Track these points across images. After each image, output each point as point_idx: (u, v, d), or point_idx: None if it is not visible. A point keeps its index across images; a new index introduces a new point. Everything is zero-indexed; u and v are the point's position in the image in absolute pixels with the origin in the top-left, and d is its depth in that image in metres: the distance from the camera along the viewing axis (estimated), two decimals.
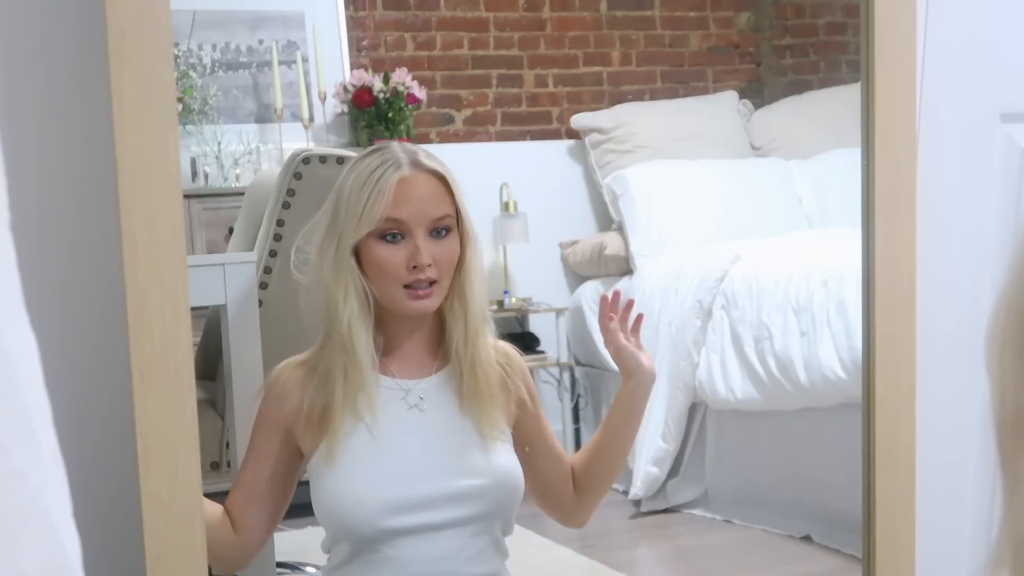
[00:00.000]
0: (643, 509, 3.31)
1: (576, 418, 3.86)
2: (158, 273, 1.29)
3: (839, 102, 3.81)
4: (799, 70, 4.51)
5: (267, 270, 2.00)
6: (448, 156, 1.55)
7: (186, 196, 1.54)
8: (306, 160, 1.98)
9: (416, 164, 1.47)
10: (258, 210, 2.11)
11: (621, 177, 3.93)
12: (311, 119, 3.79)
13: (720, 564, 3.02)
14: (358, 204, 1.45)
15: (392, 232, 1.46)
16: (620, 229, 3.90)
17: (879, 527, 1.68)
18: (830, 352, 2.89)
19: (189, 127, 3.63)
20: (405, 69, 3.91)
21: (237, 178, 3.65)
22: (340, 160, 1.97)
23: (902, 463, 1.68)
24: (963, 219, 1.77)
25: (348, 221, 1.45)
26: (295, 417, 1.48)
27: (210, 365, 2.06)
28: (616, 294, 1.60)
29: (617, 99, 4.24)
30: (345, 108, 3.91)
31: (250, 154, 3.72)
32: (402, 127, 3.85)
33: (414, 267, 1.45)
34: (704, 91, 4.41)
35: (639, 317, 1.60)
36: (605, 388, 3.74)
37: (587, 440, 1.90)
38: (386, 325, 1.51)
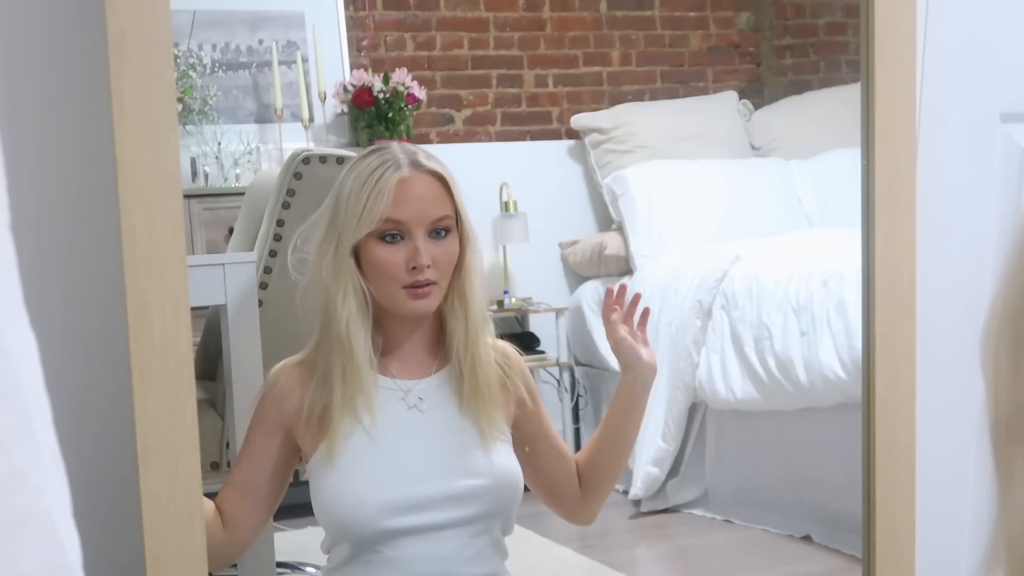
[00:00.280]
0: (643, 509, 3.31)
1: (576, 418, 3.86)
2: (158, 273, 1.29)
3: (839, 102, 3.81)
4: (799, 70, 4.51)
5: (267, 270, 2.00)
6: (448, 156, 1.55)
7: (186, 196, 1.55)
8: (306, 160, 1.98)
9: (416, 165, 1.47)
10: (258, 210, 2.11)
11: (621, 177, 3.93)
12: (311, 119, 3.79)
13: (720, 564, 3.02)
14: (358, 204, 1.44)
15: (392, 233, 1.45)
16: (620, 229, 3.90)
17: (879, 527, 1.68)
18: (830, 352, 2.89)
19: (189, 127, 3.63)
20: (405, 69, 3.91)
21: (237, 178, 3.65)
22: (340, 160, 1.97)
23: (902, 463, 1.68)
24: (963, 219, 1.76)
25: (347, 221, 1.45)
26: (295, 418, 1.48)
27: (210, 365, 2.06)
28: (623, 287, 1.59)
29: (617, 99, 4.24)
30: (345, 108, 3.90)
31: (250, 154, 3.72)
32: (402, 127, 3.85)
33: (413, 268, 1.44)
34: (704, 91, 4.41)
35: (645, 311, 1.59)
36: (605, 388, 3.73)
37: (587, 440, 1.89)
38: (385, 325, 1.50)
